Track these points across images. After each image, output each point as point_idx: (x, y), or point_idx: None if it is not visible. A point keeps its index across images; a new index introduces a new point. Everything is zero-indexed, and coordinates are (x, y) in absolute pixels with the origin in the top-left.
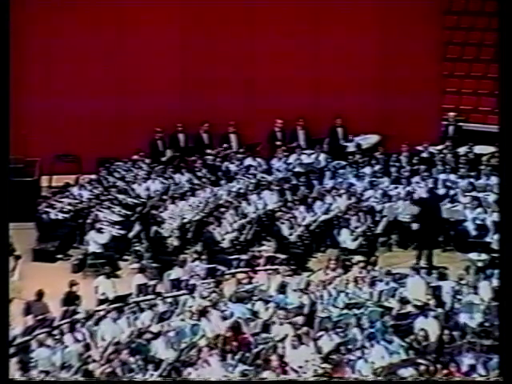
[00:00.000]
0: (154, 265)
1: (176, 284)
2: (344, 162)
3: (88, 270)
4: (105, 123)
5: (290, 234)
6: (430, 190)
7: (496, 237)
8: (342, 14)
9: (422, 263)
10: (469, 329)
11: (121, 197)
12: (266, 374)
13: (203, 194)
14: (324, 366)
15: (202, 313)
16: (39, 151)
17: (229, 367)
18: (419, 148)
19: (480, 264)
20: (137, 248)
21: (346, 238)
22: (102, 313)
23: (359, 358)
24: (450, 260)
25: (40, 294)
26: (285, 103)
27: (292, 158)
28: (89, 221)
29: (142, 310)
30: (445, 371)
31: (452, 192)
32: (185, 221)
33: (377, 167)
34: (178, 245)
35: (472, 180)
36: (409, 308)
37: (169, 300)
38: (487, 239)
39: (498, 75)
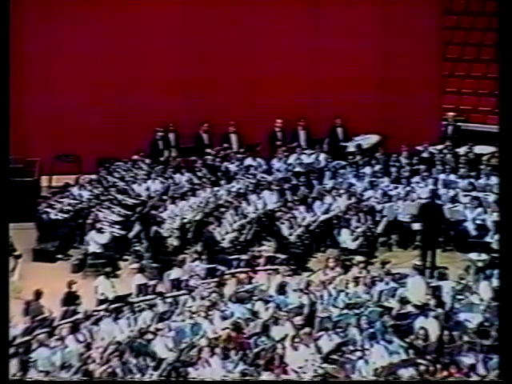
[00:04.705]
0: (154, 265)
1: (176, 284)
2: (344, 162)
3: (88, 270)
4: (105, 123)
5: (290, 234)
6: (432, 192)
7: (496, 237)
8: (341, 13)
9: (424, 263)
10: (469, 329)
11: (121, 197)
12: (266, 375)
13: (203, 194)
14: (324, 365)
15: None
16: (39, 151)
17: (229, 367)
18: (419, 148)
19: (480, 264)
20: (137, 248)
21: (346, 238)
22: (101, 313)
23: (359, 358)
24: (450, 260)
25: (38, 294)
26: (285, 103)
27: (292, 158)
28: (89, 221)
29: (141, 310)
30: (445, 371)
31: (452, 192)
32: (185, 221)
33: (377, 167)
34: (178, 245)
35: (472, 180)
36: (409, 308)
37: (169, 300)
38: (487, 239)
39: (498, 75)
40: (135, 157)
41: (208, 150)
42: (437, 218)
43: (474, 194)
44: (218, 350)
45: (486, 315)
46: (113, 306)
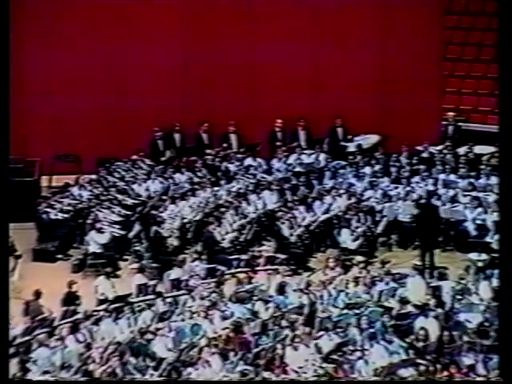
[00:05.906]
0: (154, 265)
1: (176, 284)
2: (344, 162)
3: (88, 270)
4: (105, 123)
5: (290, 234)
6: (428, 192)
7: (496, 237)
8: (342, 13)
9: (424, 263)
10: (469, 329)
11: (121, 197)
12: (266, 375)
13: (203, 194)
14: (324, 365)
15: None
16: (39, 151)
17: (229, 367)
18: (419, 148)
19: (480, 264)
20: (137, 248)
21: (346, 238)
22: (101, 313)
23: (359, 358)
24: (450, 260)
25: (38, 294)
26: (285, 103)
27: (292, 158)
28: (89, 221)
29: (141, 310)
30: (445, 371)
31: (452, 192)
32: (185, 221)
33: (377, 167)
34: (178, 245)
35: (472, 180)
36: (409, 308)
37: (169, 300)
38: (487, 239)
39: (498, 75)
40: (135, 157)
41: (208, 150)
42: (433, 218)
43: (474, 194)
44: (218, 350)
45: (486, 315)
46: (113, 305)
